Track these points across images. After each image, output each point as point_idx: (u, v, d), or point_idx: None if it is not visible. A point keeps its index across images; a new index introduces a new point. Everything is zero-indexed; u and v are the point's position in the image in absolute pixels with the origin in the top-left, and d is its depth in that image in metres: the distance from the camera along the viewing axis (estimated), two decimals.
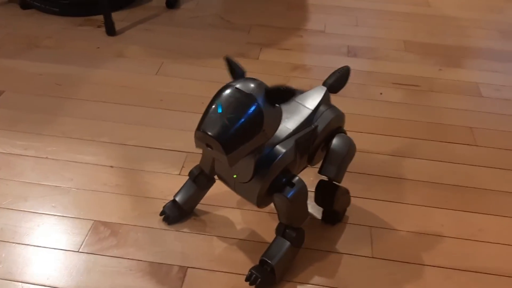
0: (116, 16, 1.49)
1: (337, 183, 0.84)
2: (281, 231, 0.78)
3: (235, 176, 0.73)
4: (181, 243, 0.84)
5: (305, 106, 0.79)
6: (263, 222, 0.88)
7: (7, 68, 1.26)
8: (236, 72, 0.68)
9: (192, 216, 0.89)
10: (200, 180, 0.85)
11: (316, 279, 0.80)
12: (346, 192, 0.89)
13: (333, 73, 0.85)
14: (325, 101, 0.81)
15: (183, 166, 0.99)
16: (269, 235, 0.82)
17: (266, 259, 0.76)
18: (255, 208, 0.85)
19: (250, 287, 0.76)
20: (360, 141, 1.10)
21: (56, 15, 1.50)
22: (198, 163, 0.85)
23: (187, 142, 1.05)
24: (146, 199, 0.92)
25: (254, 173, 0.70)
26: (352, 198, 0.93)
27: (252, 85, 0.64)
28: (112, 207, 0.90)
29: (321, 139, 0.80)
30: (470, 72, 1.38)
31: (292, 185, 0.73)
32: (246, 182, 0.72)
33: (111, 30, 1.42)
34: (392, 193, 0.97)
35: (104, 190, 0.93)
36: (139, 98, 1.18)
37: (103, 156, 1.01)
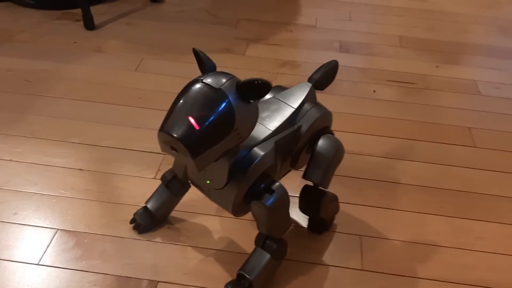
0: (96, 9, 1.41)
1: (323, 189, 0.77)
2: (260, 242, 0.70)
3: (208, 181, 0.66)
4: (152, 254, 0.77)
5: (287, 104, 0.72)
6: (244, 231, 0.81)
7: None
8: (206, 66, 0.60)
9: (165, 224, 0.81)
10: (173, 185, 0.77)
11: None
12: (334, 198, 0.82)
13: (320, 68, 0.78)
14: (310, 98, 0.74)
15: (158, 169, 0.92)
16: (250, 245, 0.75)
17: (243, 273, 0.69)
18: (231, 215, 0.79)
19: None
20: (351, 142, 1.03)
21: (33, 8, 1.42)
22: None
23: None
24: (116, 205, 0.84)
25: (228, 179, 0.63)
26: (341, 204, 0.86)
27: (222, 79, 0.56)
28: (78, 214, 0.82)
29: (306, 140, 0.73)
30: (468, 69, 1.31)
31: (272, 191, 0.65)
32: (220, 189, 0.65)
33: (89, 24, 1.34)
34: (384, 198, 0.90)
35: (71, 195, 0.86)
36: (116, 95, 1.11)
37: (73, 158, 0.93)
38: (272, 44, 1.36)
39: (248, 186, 0.65)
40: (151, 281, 0.73)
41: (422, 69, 1.29)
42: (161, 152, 0.94)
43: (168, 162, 0.93)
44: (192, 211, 0.83)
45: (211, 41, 1.35)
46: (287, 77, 1.22)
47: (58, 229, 0.80)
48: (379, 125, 1.08)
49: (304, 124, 0.71)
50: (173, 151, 0.56)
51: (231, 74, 0.58)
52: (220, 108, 0.55)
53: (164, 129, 0.54)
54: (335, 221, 0.84)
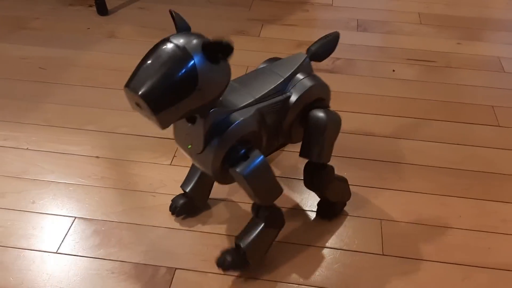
0: None
1: (325, 164, 0.73)
2: (254, 210, 0.69)
3: (189, 146, 0.65)
4: (170, 241, 0.76)
5: (277, 74, 0.70)
6: None
7: None
8: (180, 27, 0.59)
9: (204, 210, 0.81)
10: None
11: (320, 280, 0.71)
12: (342, 179, 0.79)
13: (320, 39, 0.75)
14: (303, 69, 0.71)
15: (174, 155, 0.91)
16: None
17: (237, 242, 0.69)
18: (249, 201, 0.77)
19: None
20: (369, 123, 1.01)
21: None
22: None
23: None
24: (133, 192, 0.84)
25: (205, 143, 0.62)
26: (360, 188, 0.84)
27: (188, 39, 0.55)
28: (95, 202, 0.82)
29: (297, 111, 0.70)
30: (491, 45, 1.27)
31: (246, 158, 0.64)
32: (200, 153, 0.64)
33: (102, 10, 1.32)
34: (405, 181, 0.88)
35: (88, 183, 0.85)
36: None
37: (89, 146, 0.93)
38: (288, 24, 1.32)
39: (225, 150, 0.63)
40: (169, 268, 0.72)
41: (442, 46, 1.25)
42: None
43: None
44: (209, 197, 0.82)
45: (225, 23, 1.33)
46: None
47: (75, 217, 0.80)
48: (399, 105, 1.05)
49: (294, 94, 0.69)
50: (139, 108, 0.56)
51: (199, 34, 0.57)
52: (183, 66, 0.54)
53: (128, 85, 0.55)
54: (354, 205, 0.82)
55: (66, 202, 0.82)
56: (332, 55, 1.22)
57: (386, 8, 1.42)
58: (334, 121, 0.71)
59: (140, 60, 0.56)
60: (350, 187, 0.81)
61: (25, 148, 0.92)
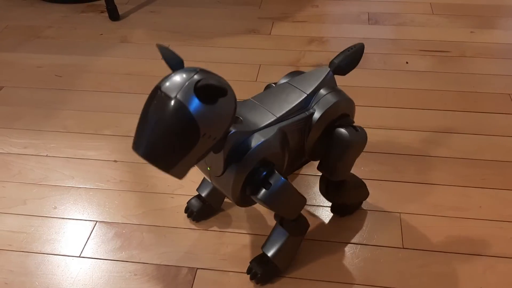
0: None
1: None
2: (278, 218, 0.70)
3: (208, 168, 0.63)
4: (189, 241, 0.77)
5: (299, 90, 0.67)
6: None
7: (7, 62, 1.20)
8: (171, 64, 0.54)
9: (219, 211, 0.81)
10: None
11: (341, 275, 0.71)
12: (359, 185, 0.78)
13: (343, 51, 0.72)
14: (327, 83, 0.69)
15: None
16: None
17: (264, 252, 0.70)
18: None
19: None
20: (384, 117, 1.00)
21: (58, 3, 1.43)
22: None
23: None
24: (152, 194, 0.85)
25: (225, 166, 0.60)
26: (378, 182, 0.84)
27: (179, 84, 0.52)
28: (115, 205, 0.83)
29: (321, 129, 0.68)
30: (506, 32, 1.25)
31: (268, 185, 0.61)
32: (219, 176, 0.62)
33: (114, 15, 1.34)
34: (423, 173, 0.87)
35: (107, 187, 0.87)
36: (144, 85, 1.11)
37: (107, 150, 0.94)
38: (298, 21, 1.32)
39: (246, 173, 0.61)
40: (190, 268, 0.73)
41: (456, 36, 1.24)
42: None
43: None
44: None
45: (236, 22, 1.33)
46: (315, 54, 1.19)
47: (97, 221, 0.81)
48: (413, 97, 1.04)
49: (317, 111, 0.66)
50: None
51: (192, 73, 0.53)
52: (180, 120, 0.51)
53: (134, 148, 0.53)
54: (374, 199, 0.82)
55: (87, 207, 0.83)
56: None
57: (397, 0, 1.41)
58: (358, 142, 0.69)
59: (139, 117, 0.53)
60: (368, 181, 0.80)
61: (45, 155, 0.93)
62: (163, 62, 1.22)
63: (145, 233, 0.78)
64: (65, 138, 0.97)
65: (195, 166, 0.59)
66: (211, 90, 0.51)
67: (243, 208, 0.81)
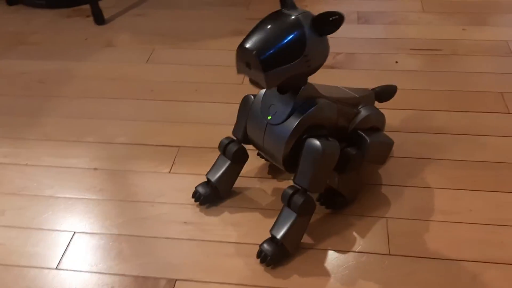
0: (106, 3, 1.40)
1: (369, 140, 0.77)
2: (286, 199, 0.69)
3: (269, 117, 0.69)
4: (169, 251, 0.75)
5: (352, 93, 0.79)
6: (259, 222, 0.78)
7: None
8: (285, 2, 0.66)
9: (225, 199, 0.82)
10: (231, 150, 0.77)
11: (324, 284, 0.69)
12: (360, 180, 0.79)
13: (383, 85, 0.89)
14: (370, 98, 0.83)
15: (173, 163, 0.89)
16: (267, 235, 0.72)
17: (273, 234, 0.70)
18: (252, 205, 0.79)
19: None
20: None
21: (43, 8, 1.41)
22: (190, 158, 0.82)
23: (179, 134, 0.95)
24: (133, 203, 0.83)
25: (289, 114, 0.67)
26: (366, 186, 0.81)
27: (299, 11, 0.63)
28: (94, 215, 0.81)
29: (356, 127, 0.76)
30: (498, 29, 1.23)
31: (327, 138, 0.68)
32: (279, 124, 0.68)
33: (99, 19, 1.32)
34: (411, 176, 0.84)
35: (87, 196, 0.84)
36: (128, 90, 1.08)
37: (87, 158, 0.92)
38: None
39: (305, 127, 0.67)
40: (169, 279, 0.71)
41: (447, 33, 1.21)
42: (176, 145, 0.93)
43: (182, 154, 0.90)
44: (208, 205, 0.81)
45: (223, 24, 1.31)
46: None
47: (75, 231, 0.79)
48: (403, 98, 1.01)
49: (362, 112, 0.76)
50: (247, 69, 0.62)
51: (308, 11, 0.64)
52: (293, 32, 0.61)
53: (242, 44, 0.61)
54: (359, 203, 0.80)
55: (65, 217, 0.81)
56: (332, 49, 1.20)
57: None
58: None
59: (254, 26, 0.62)
60: None
61: (25, 163, 0.91)
62: (148, 66, 1.21)
63: (124, 243, 0.76)
64: (46, 146, 0.95)
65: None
66: (327, 19, 0.62)
67: (221, 218, 0.79)
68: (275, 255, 0.70)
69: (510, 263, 0.70)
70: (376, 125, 0.80)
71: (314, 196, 0.75)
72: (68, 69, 1.17)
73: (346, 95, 0.77)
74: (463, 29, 1.23)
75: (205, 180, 0.81)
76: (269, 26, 0.62)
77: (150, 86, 1.09)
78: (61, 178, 0.88)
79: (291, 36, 0.61)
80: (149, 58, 1.18)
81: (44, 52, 1.23)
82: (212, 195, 0.80)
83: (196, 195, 0.81)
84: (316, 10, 0.63)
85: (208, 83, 1.08)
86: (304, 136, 0.68)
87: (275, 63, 0.61)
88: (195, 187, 0.81)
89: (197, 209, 0.80)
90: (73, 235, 0.78)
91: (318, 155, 0.67)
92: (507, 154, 0.88)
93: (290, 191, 0.69)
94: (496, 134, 0.92)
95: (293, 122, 0.67)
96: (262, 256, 0.71)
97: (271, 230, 0.71)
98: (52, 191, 0.86)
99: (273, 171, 0.87)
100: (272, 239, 0.71)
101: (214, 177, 0.79)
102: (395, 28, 1.25)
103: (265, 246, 0.71)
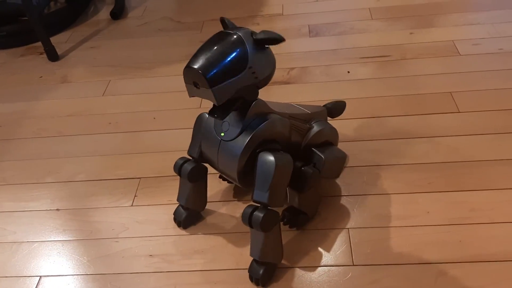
0: (58, 38, 1.39)
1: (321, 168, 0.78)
2: (246, 218, 0.69)
3: (222, 134, 0.71)
4: (138, 286, 0.74)
5: (303, 109, 0.81)
6: (225, 248, 0.78)
7: None
8: (226, 24, 0.69)
9: (201, 217, 0.84)
10: (186, 169, 0.76)
11: None
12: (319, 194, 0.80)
13: (334, 101, 0.91)
14: (322, 115, 0.85)
15: (135, 195, 0.89)
16: (240, 259, 0.73)
17: (253, 257, 0.71)
18: (217, 230, 0.80)
19: None
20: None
21: None
22: (152, 188, 0.84)
23: (139, 165, 0.95)
24: (97, 241, 0.82)
25: (242, 129, 0.69)
26: (325, 199, 0.83)
27: (239, 29, 0.65)
28: (60, 256, 0.80)
29: (310, 142, 0.78)
30: (444, 29, 1.26)
31: (279, 152, 0.70)
32: (231, 140, 0.70)
33: (52, 55, 1.31)
34: (369, 184, 0.86)
35: (51, 238, 0.84)
36: (85, 125, 1.08)
37: (48, 200, 0.91)
38: None
39: (258, 141, 0.69)
40: None
41: (395, 39, 1.25)
42: (137, 176, 0.93)
43: (144, 186, 0.91)
44: (172, 233, 0.81)
45: (177, 49, 1.32)
46: None
47: (40, 276, 0.78)
48: (356, 107, 1.04)
49: (316, 127, 0.79)
50: (196, 89, 0.64)
51: (247, 28, 0.67)
52: (235, 47, 0.63)
53: (187, 65, 0.63)
54: (319, 217, 0.81)
55: (30, 262, 0.80)
56: (286, 65, 1.22)
57: (336, 9, 1.41)
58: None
59: (198, 48, 0.64)
60: None
61: None
62: (105, 98, 1.21)
63: (91, 283, 0.76)
64: (6, 191, 0.94)
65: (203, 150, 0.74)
66: (263, 39, 0.65)
67: (192, 244, 0.79)
68: (263, 275, 0.72)
69: (469, 261, 0.72)
70: (329, 139, 0.82)
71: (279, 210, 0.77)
72: (23, 110, 1.16)
73: (299, 111, 0.79)
74: (411, 33, 1.26)
75: (176, 205, 0.83)
76: (211, 45, 0.64)
77: (108, 119, 1.09)
78: (24, 222, 0.87)
79: (232, 50, 0.63)
80: (105, 91, 1.18)
81: None
82: (190, 216, 0.82)
83: (176, 222, 0.83)
84: (268, 27, 0.67)
85: (166, 110, 1.09)
86: (257, 151, 0.69)
87: (221, 77, 0.62)
88: (173, 213, 0.83)
89: (162, 241, 0.81)
90: (39, 280, 0.77)
91: (272, 168, 0.67)
92: (460, 152, 0.91)
93: (249, 210, 0.69)
94: (449, 134, 0.95)
95: (246, 138, 0.68)
96: (254, 280, 0.72)
97: (250, 254, 0.71)
98: (15, 236, 0.85)
99: (237, 194, 0.87)
100: (255, 261, 0.72)
101: (184, 200, 0.80)
102: (345, 38, 1.28)
103: (252, 270, 0.72)
